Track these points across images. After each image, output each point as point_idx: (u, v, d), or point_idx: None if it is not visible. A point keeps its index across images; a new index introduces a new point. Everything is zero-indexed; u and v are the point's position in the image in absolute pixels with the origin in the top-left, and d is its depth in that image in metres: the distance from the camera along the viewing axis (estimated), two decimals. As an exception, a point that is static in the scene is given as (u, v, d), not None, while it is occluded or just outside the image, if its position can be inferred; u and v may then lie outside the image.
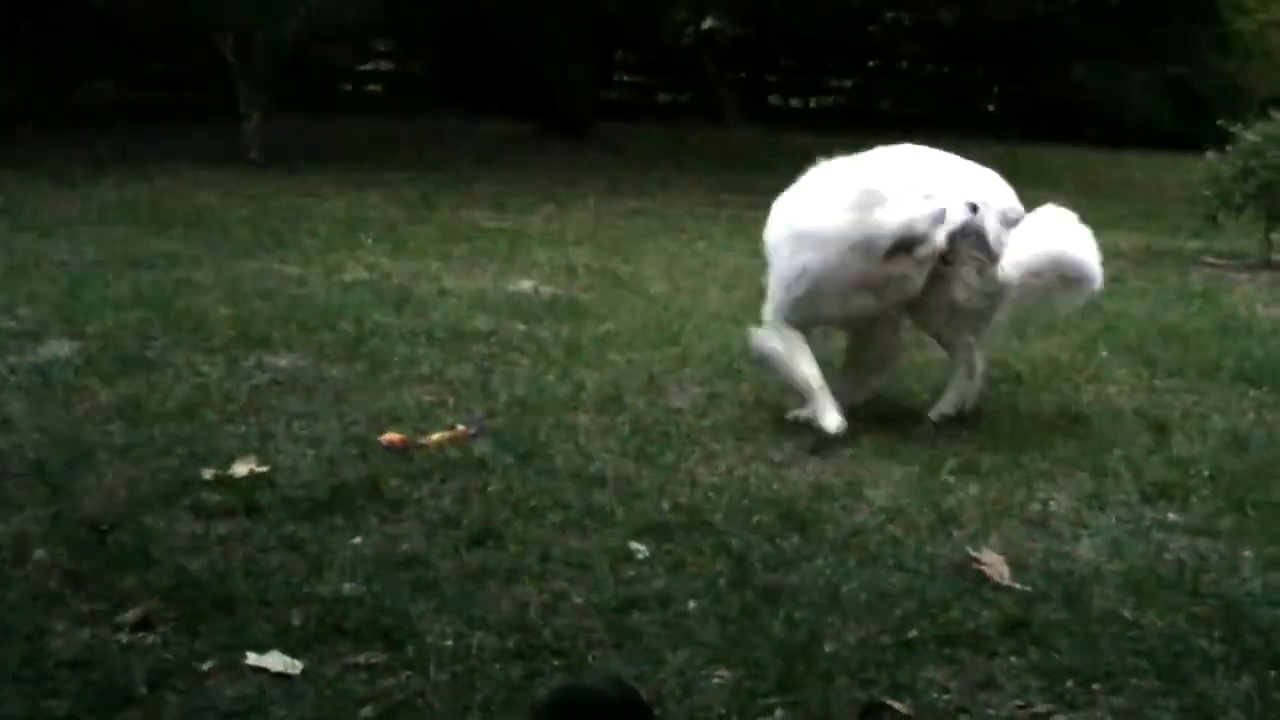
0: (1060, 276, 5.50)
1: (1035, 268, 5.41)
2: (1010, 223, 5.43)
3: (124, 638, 3.48)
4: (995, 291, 5.47)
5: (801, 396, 5.44)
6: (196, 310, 7.00)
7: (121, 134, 15.52)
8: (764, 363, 5.62)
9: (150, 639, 3.48)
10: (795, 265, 5.35)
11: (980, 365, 5.65)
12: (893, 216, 5.15)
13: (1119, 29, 20.55)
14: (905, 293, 5.37)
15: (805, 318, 5.43)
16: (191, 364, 5.99)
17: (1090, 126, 20.56)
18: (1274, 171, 10.01)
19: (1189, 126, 18.77)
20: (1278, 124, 10.17)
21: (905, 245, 5.16)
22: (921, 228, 5.16)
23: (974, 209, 5.24)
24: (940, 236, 5.18)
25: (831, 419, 5.29)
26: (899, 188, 5.19)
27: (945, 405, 5.59)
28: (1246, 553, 4.29)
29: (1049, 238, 5.47)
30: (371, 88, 24.47)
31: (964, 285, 5.43)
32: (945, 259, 5.28)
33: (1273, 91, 18.08)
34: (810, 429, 5.35)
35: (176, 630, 3.52)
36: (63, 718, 3.13)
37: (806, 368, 5.39)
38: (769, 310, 5.52)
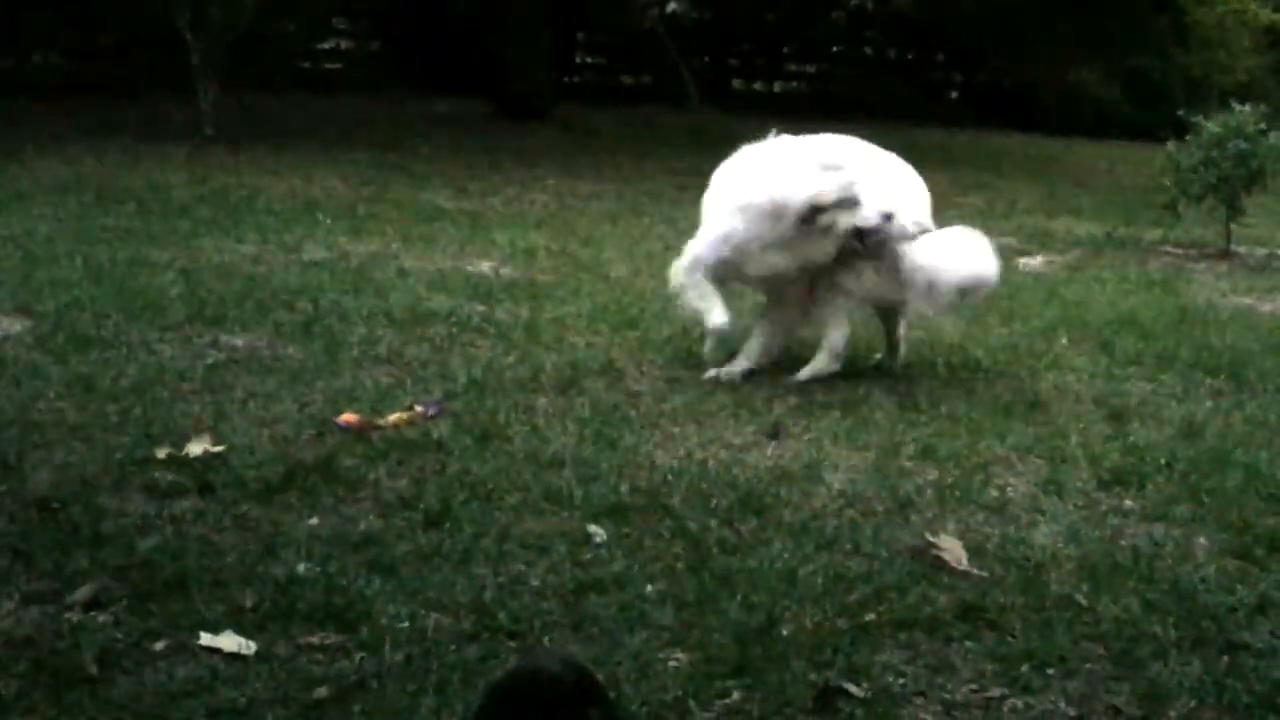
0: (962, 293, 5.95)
1: (944, 298, 5.88)
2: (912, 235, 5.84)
3: (74, 617, 3.45)
4: (882, 294, 5.96)
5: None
6: (151, 288, 6.93)
7: (72, 108, 15.34)
8: (679, 295, 6.11)
9: (101, 618, 3.45)
10: (721, 229, 5.89)
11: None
12: (802, 190, 5.65)
13: (1078, 19, 20.62)
14: (816, 257, 5.80)
15: (723, 275, 5.96)
16: (145, 342, 5.93)
17: (1048, 115, 20.65)
18: (1234, 162, 10.09)
19: (1146, 117, 18.94)
20: (1239, 115, 10.24)
21: (810, 216, 5.64)
22: (826, 201, 5.63)
23: (887, 218, 5.65)
24: (845, 220, 5.65)
25: (717, 316, 5.88)
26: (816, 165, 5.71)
27: (802, 374, 5.93)
28: (1200, 539, 4.32)
29: (959, 269, 5.85)
30: (330, 65, 24.27)
31: (855, 275, 5.90)
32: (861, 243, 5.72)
33: (1232, 82, 18.27)
34: (769, 414, 5.38)
35: (128, 610, 3.49)
36: (12, 697, 3.08)
37: (714, 301, 5.93)
38: (688, 260, 6.02)
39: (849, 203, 5.63)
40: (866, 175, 5.73)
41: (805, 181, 5.66)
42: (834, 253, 5.76)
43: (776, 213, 5.67)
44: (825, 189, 5.63)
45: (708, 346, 6.01)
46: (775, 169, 5.77)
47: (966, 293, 5.93)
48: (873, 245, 5.71)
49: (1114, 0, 20.64)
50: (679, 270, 6.05)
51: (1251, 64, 20.81)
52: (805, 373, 5.92)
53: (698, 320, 6.05)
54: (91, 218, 9.08)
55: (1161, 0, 20.73)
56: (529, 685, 2.71)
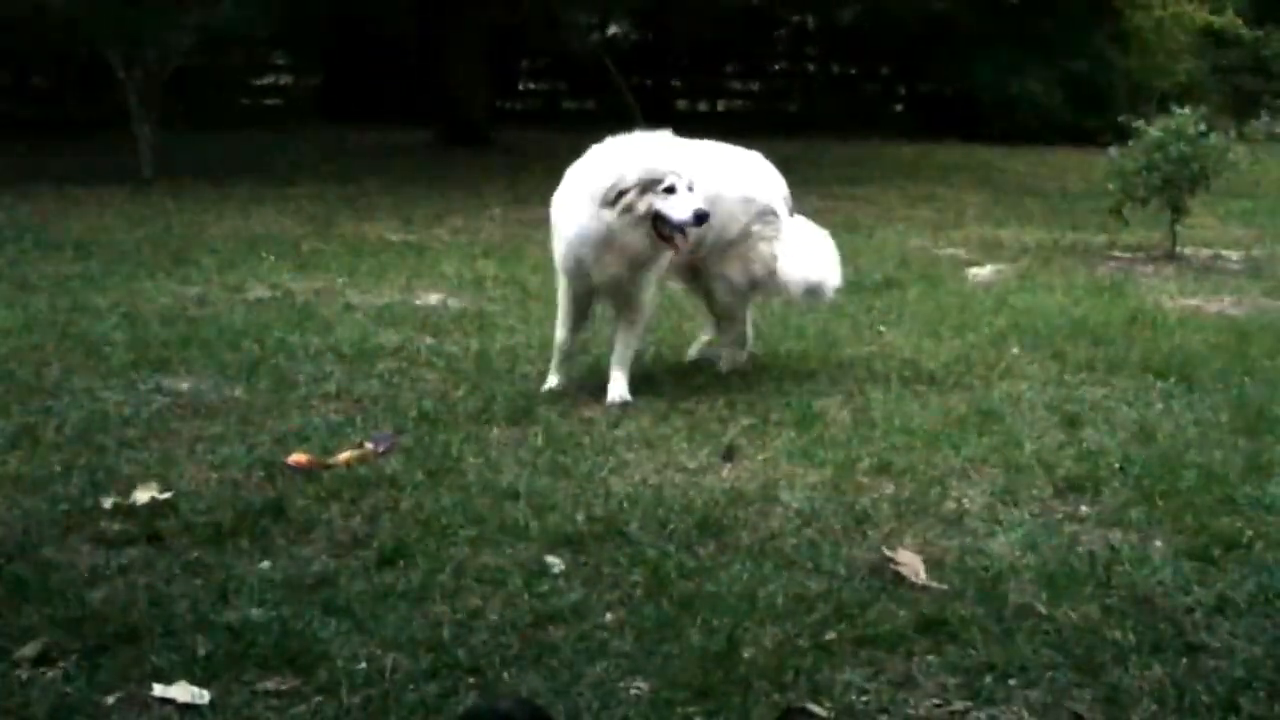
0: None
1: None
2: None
3: (24, 673, 3.38)
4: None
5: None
6: (92, 334, 6.85)
7: (6, 152, 15.19)
8: None
9: (51, 674, 3.38)
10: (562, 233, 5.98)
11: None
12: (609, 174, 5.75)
13: (1017, 26, 20.81)
14: (636, 253, 5.79)
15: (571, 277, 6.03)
16: (89, 390, 5.85)
17: (991, 124, 20.80)
18: (1177, 165, 10.17)
19: (1089, 122, 19.10)
20: (1180, 118, 10.33)
21: (612, 196, 5.68)
22: (626, 183, 5.66)
23: (700, 218, 5.68)
24: (645, 203, 5.66)
25: (551, 379, 6.01)
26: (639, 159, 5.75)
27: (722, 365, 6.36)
28: (1157, 542, 4.33)
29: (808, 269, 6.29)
30: (270, 101, 24.20)
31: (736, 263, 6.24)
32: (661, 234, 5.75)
33: (1171, 85, 18.47)
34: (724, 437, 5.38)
35: (78, 664, 3.42)
36: (-40, 759, 3.03)
37: (559, 326, 6.10)
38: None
39: (652, 185, 5.64)
40: (690, 174, 5.73)
41: (615, 168, 5.74)
42: (647, 242, 5.76)
43: (595, 198, 5.74)
44: (628, 172, 5.67)
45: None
46: (603, 162, 5.85)
47: (812, 295, 6.41)
48: (671, 234, 5.72)
49: (1052, 7, 20.85)
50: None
51: (1190, 65, 21.04)
52: (724, 364, 6.34)
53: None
54: (30, 265, 8.98)
55: (1099, 5, 20.95)
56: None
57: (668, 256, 5.93)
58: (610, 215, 5.69)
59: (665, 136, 5.92)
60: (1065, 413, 5.74)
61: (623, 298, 6.01)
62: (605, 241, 5.75)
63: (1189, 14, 21.08)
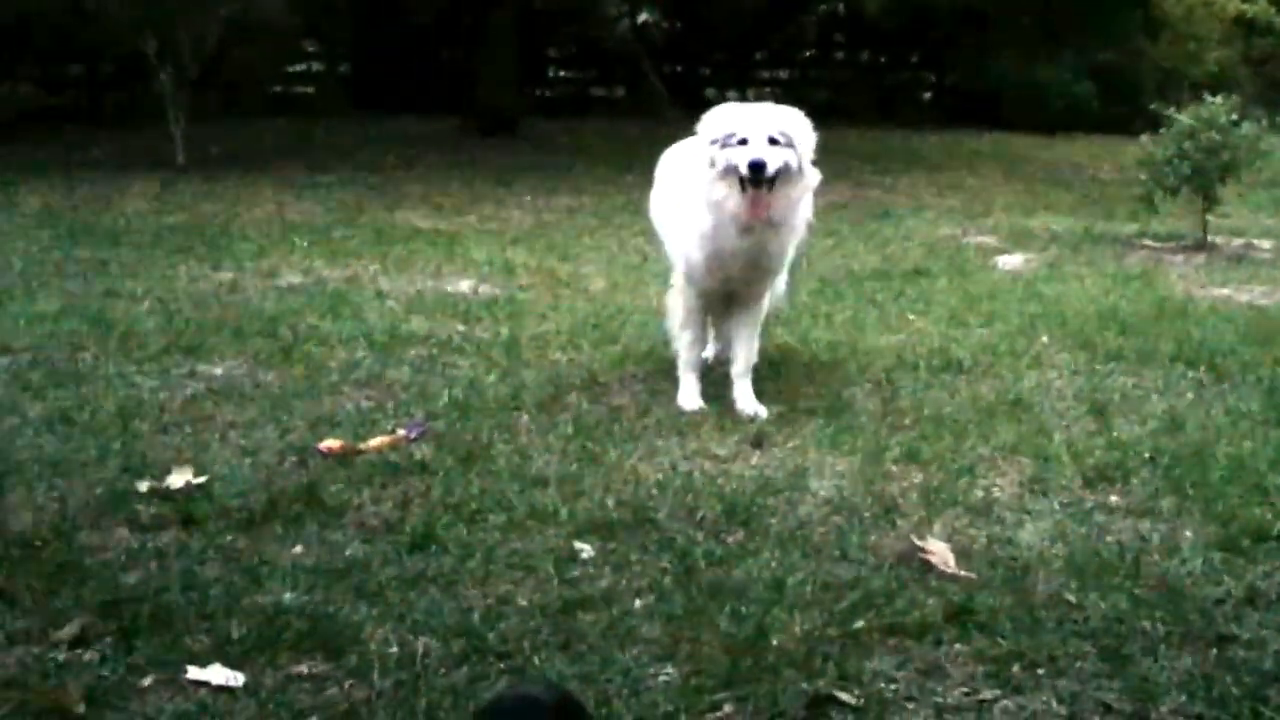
0: None
1: None
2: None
3: (60, 655, 3.42)
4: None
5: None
6: (127, 320, 6.91)
7: (42, 140, 15.30)
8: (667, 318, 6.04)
9: (87, 655, 3.42)
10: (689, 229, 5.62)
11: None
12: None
13: (1046, 15, 20.71)
14: (735, 214, 5.40)
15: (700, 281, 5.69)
16: (123, 375, 5.91)
17: (1020, 113, 20.71)
18: (1207, 154, 10.12)
19: (1119, 111, 19.00)
20: (1210, 106, 10.28)
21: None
22: (706, 140, 5.39)
23: (753, 168, 5.31)
24: (724, 155, 5.34)
25: (688, 401, 5.65)
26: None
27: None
28: (1187, 533, 4.32)
29: None
30: (301, 89, 24.25)
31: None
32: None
33: (1202, 73, 18.37)
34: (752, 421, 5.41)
35: (114, 646, 3.46)
36: (-2, 739, 3.06)
37: (681, 336, 5.80)
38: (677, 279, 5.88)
39: (726, 139, 5.32)
40: (770, 132, 5.36)
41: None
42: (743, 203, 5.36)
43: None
44: (704, 129, 5.41)
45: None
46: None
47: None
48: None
49: (1083, -5, 20.75)
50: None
51: (1221, 54, 20.91)
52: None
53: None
54: (65, 251, 9.07)
55: (1130, -7, 20.84)
56: (512, 711, 2.69)
57: (792, 239, 5.63)
58: (707, 179, 5.41)
59: (763, 105, 5.64)
60: (1095, 402, 5.74)
61: (754, 290, 5.70)
62: (717, 209, 5.41)
63: (1220, 2, 20.95)
